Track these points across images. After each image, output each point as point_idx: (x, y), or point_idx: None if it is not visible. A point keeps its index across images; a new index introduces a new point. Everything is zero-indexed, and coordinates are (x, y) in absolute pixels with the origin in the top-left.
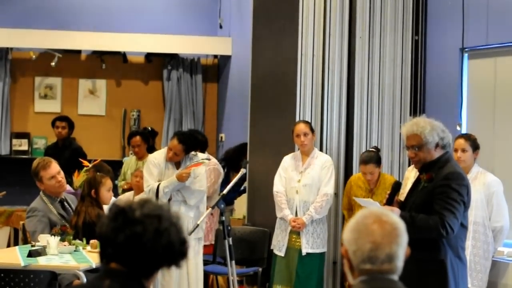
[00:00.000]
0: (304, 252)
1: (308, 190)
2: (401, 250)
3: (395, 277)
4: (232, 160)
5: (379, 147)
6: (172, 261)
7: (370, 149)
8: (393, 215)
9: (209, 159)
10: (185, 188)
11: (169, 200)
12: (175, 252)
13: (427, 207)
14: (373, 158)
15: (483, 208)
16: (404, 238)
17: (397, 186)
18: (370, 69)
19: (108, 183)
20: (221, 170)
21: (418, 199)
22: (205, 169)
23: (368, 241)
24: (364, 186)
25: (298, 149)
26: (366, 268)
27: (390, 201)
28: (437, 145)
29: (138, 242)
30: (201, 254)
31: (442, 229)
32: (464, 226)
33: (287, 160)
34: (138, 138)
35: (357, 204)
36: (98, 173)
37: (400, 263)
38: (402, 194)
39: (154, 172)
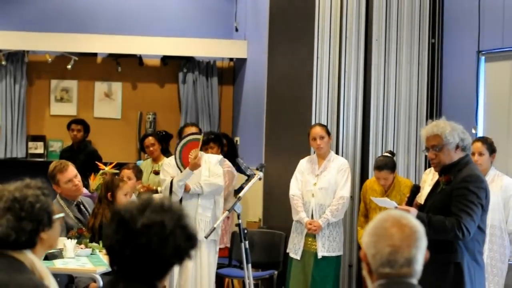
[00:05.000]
0: (320, 255)
1: (324, 193)
2: (420, 253)
3: (414, 280)
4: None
5: (395, 150)
6: (182, 259)
7: (385, 154)
8: (412, 218)
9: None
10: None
11: (180, 201)
12: (183, 252)
13: (445, 210)
14: (387, 164)
15: (499, 211)
16: (423, 241)
17: (416, 189)
18: (386, 72)
19: (125, 187)
20: (235, 172)
21: (437, 201)
22: (221, 167)
23: (387, 244)
24: (379, 190)
25: (314, 152)
26: (385, 272)
27: (409, 204)
28: (457, 147)
29: (145, 252)
30: (214, 255)
31: (459, 231)
32: (481, 230)
33: (303, 163)
34: (151, 138)
35: (371, 208)
36: (116, 177)
37: (419, 266)
38: (420, 197)
39: (170, 171)
